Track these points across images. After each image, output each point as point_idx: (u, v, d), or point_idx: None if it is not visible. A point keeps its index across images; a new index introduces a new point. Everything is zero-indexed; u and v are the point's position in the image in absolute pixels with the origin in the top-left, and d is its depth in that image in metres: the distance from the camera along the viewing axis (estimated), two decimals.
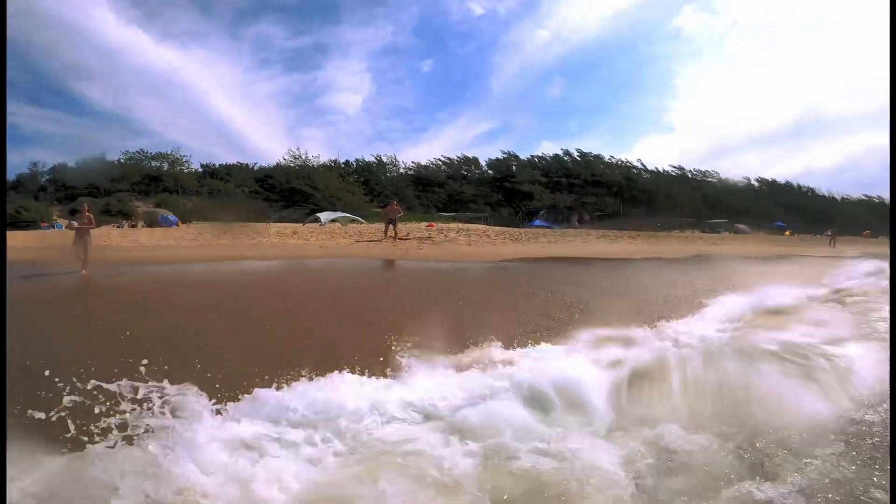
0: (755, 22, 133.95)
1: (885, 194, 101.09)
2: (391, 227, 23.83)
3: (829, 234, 44.01)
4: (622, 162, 78.77)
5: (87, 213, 13.35)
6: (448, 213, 54.81)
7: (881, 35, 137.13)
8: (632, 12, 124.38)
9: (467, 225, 38.85)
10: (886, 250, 38.89)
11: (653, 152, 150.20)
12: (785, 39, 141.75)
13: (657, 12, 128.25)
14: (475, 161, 74.12)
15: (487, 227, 41.68)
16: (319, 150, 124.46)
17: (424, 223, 40.91)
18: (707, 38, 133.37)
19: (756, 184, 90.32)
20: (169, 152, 59.37)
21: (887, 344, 7.06)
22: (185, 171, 59.42)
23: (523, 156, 75.20)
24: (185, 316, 7.18)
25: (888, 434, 2.97)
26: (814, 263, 21.39)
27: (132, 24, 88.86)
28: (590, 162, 75.60)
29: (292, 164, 62.83)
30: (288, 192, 56.51)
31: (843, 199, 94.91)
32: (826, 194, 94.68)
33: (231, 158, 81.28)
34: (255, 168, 63.49)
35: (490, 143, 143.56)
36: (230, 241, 20.28)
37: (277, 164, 63.75)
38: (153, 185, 53.25)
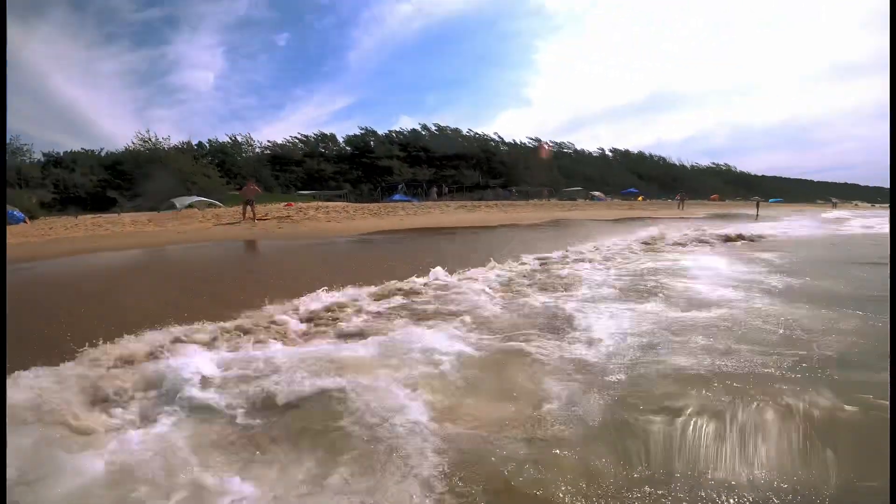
0: (614, 1, 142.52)
1: (732, 162, 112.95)
2: (249, 207, 23.16)
3: (679, 197, 48.59)
4: (480, 135, 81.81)
5: None
6: (307, 192, 54.68)
7: (732, 15, 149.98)
8: None
9: (327, 203, 39.60)
10: (728, 210, 44.18)
11: (512, 125, 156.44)
12: (642, 18, 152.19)
13: None
14: (332, 138, 74.57)
15: (347, 203, 42.75)
16: (170, 131, 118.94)
17: (283, 203, 41.29)
18: (567, 16, 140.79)
19: (610, 154, 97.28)
20: (7, 141, 54.23)
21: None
22: (28, 161, 54.61)
23: (381, 131, 76.46)
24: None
25: (888, 434, 2.86)
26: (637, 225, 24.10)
27: None
28: (448, 136, 77.81)
29: (142, 149, 60.04)
30: (140, 178, 53.77)
31: (692, 166, 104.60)
32: (676, 163, 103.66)
33: (76, 145, 75.38)
34: (103, 154, 60.01)
35: (348, 119, 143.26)
36: (84, 233, 20.14)
37: (126, 148, 60.52)
38: None
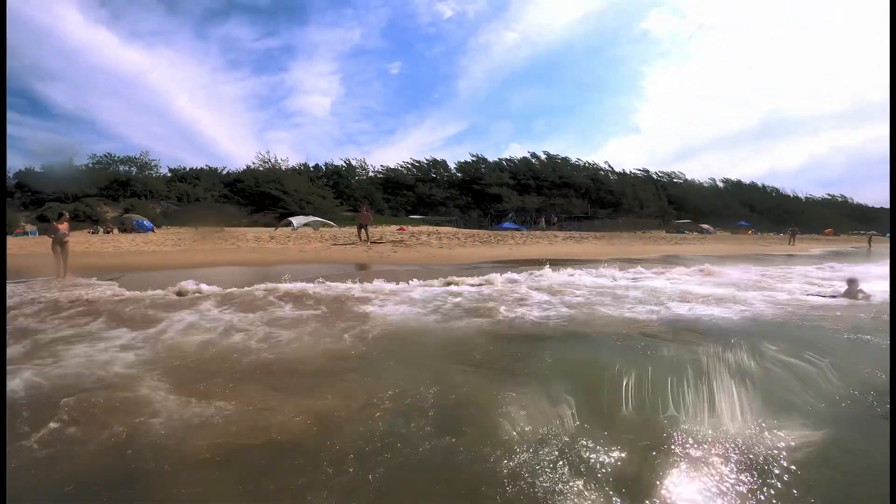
0: (721, 24, 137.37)
1: (848, 193, 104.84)
2: (363, 231, 23.99)
3: (790, 232, 45.55)
4: (589, 164, 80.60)
5: (66, 221, 13.26)
6: (418, 216, 55.38)
7: (847, 39, 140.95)
8: (599, 15, 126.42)
9: (437, 228, 39.50)
10: (844, 247, 40.76)
11: (620, 153, 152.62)
12: (750, 42, 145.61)
13: (624, 15, 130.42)
14: (444, 164, 75.29)
15: (457, 229, 42.46)
16: (287, 153, 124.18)
17: (395, 226, 41.50)
18: (673, 41, 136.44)
19: (721, 184, 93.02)
20: (137, 156, 58.86)
21: None
22: (154, 175, 58.73)
23: (491, 158, 76.75)
24: None
25: (888, 433, 2.93)
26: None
27: (98, 23, 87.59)
28: (557, 164, 77.24)
29: (261, 168, 62.77)
30: (258, 196, 56.43)
31: (806, 198, 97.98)
32: (790, 194, 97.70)
33: (199, 162, 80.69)
34: (224, 172, 63.22)
35: (458, 146, 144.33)
36: (212, 245, 20.68)
37: (246, 167, 63.75)
38: (121, 190, 52.71)
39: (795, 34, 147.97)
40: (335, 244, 22.88)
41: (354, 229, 25.90)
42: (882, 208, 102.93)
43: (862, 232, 60.97)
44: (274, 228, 36.43)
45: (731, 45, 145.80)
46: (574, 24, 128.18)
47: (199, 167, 64.70)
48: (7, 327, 5.95)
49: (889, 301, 6.07)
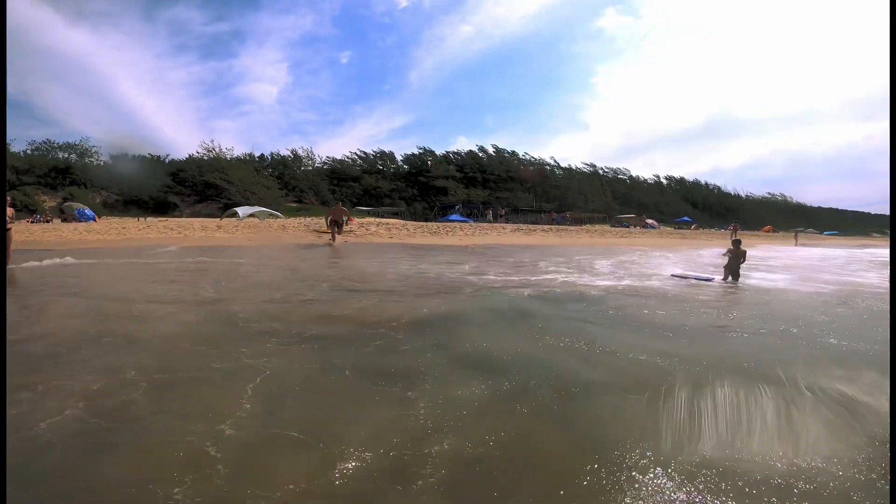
0: (675, 26, 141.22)
1: (788, 193, 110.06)
2: (337, 228, 21.78)
3: (732, 227, 47.41)
4: (536, 159, 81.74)
5: (10, 206, 12.47)
6: (364, 208, 55.19)
7: (793, 42, 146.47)
8: (556, 11, 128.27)
9: (387, 220, 39.70)
10: (770, 243, 42.88)
11: (568, 149, 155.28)
12: (702, 44, 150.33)
13: (581, 11, 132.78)
14: (391, 156, 75.07)
15: (405, 221, 42.64)
16: (233, 142, 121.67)
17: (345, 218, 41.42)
18: (627, 40, 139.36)
19: (665, 181, 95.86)
20: (77, 142, 56.59)
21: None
22: (95, 163, 56.45)
23: (439, 151, 76.85)
24: None
25: (888, 434, 2.92)
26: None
27: (42, 2, 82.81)
28: (505, 158, 77.94)
29: (205, 157, 61.39)
30: (201, 185, 55.22)
31: (747, 196, 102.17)
32: (731, 191, 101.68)
33: (141, 150, 77.75)
34: (167, 161, 61.43)
35: (406, 138, 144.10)
36: (156, 234, 20.40)
37: (189, 156, 61.97)
38: (60, 178, 50.58)
39: (745, 39, 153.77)
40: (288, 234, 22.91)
41: (307, 219, 25.16)
42: (820, 207, 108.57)
43: (800, 229, 64.46)
44: (220, 219, 35.90)
45: (683, 47, 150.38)
46: (529, 18, 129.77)
47: (141, 155, 62.22)
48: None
49: (889, 301, 6.11)
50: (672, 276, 10.88)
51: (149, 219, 31.64)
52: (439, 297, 8.02)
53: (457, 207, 57.92)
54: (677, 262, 16.73)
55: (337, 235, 21.62)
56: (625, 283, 10.33)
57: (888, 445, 2.84)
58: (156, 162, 59.73)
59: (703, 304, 7.96)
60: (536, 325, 6.09)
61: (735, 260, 10.38)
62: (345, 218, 22.46)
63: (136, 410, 3.25)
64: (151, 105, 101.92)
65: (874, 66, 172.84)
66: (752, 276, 11.82)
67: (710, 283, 10.33)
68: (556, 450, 2.90)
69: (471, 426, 3.09)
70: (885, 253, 33.11)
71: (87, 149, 56.52)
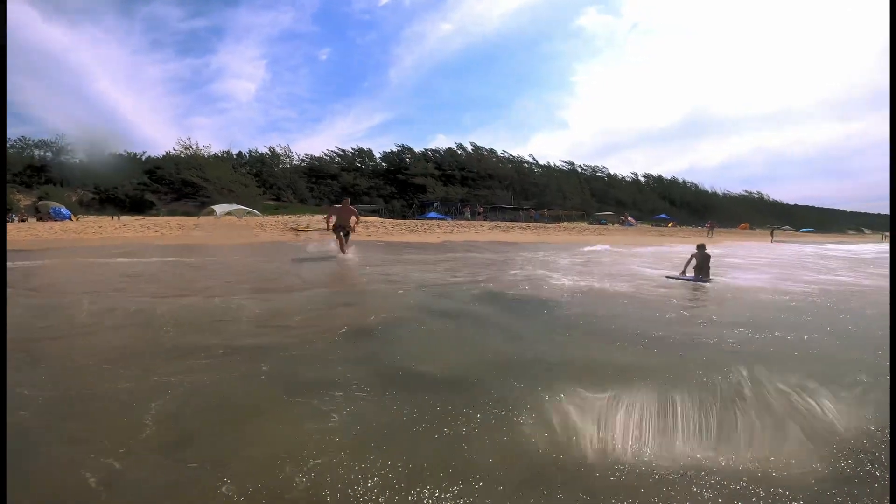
0: (655, 25, 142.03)
1: (765, 191, 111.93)
2: (342, 236, 14.75)
3: (708, 225, 48.21)
4: (514, 157, 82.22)
5: None
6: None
7: (772, 42, 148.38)
8: (536, 9, 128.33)
9: (364, 217, 39.75)
10: (746, 240, 43.64)
11: (547, 147, 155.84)
12: (681, 44, 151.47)
13: (561, 10, 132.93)
14: (369, 153, 75.05)
15: (382, 219, 42.79)
16: (210, 139, 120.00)
17: (321, 216, 41.46)
18: (607, 39, 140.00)
19: (643, 179, 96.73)
20: (53, 140, 55.75)
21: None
22: (71, 161, 55.31)
23: (417, 148, 77.03)
24: None
25: (888, 433, 2.97)
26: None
27: None
28: (483, 156, 78.20)
29: (182, 155, 61.06)
30: (179, 183, 54.95)
31: (724, 194, 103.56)
32: (709, 189, 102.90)
33: (117, 148, 76.48)
34: (144, 158, 60.92)
35: (385, 135, 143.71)
36: (133, 233, 20.45)
37: (166, 154, 61.54)
38: (36, 177, 50.12)
39: (725, 39, 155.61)
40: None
41: (285, 217, 24.47)
42: (796, 205, 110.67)
43: (776, 226, 65.89)
44: (197, 217, 35.85)
45: (663, 46, 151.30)
46: (510, 16, 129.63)
47: (117, 153, 61.50)
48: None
49: (889, 301, 6.19)
50: (666, 277, 11.15)
51: (124, 217, 31.45)
52: (393, 301, 7.75)
53: (435, 205, 58.11)
54: (651, 260, 17.02)
55: (345, 244, 14.85)
56: (587, 282, 10.44)
57: (888, 445, 2.88)
58: (132, 160, 59.23)
59: (674, 302, 8.29)
60: (486, 333, 5.93)
61: (703, 260, 10.75)
62: (353, 219, 15.04)
63: (20, 433, 3.00)
64: (128, 102, 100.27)
65: (852, 67, 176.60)
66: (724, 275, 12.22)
67: (693, 282, 10.59)
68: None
69: (379, 448, 2.91)
70: (856, 248, 34.03)
71: (62, 146, 55.85)
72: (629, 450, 3.01)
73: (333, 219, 14.75)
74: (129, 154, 59.52)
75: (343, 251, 14.55)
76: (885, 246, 46.31)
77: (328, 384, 3.87)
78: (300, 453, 2.82)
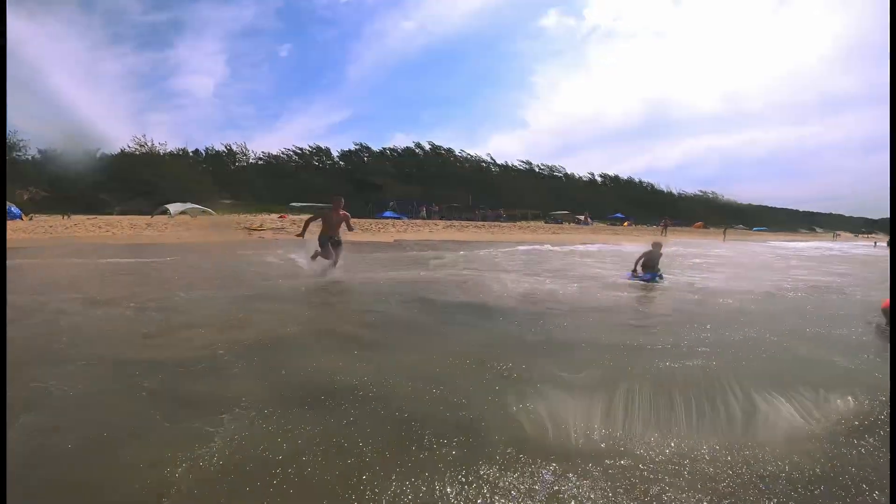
0: (615, 28, 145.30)
1: (720, 190, 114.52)
2: (331, 246, 10.11)
3: (662, 223, 49.37)
4: (472, 156, 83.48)
5: None
6: (298, 204, 55.21)
7: (729, 47, 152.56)
8: (499, 9, 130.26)
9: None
10: (699, 239, 44.78)
11: (506, 146, 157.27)
12: (640, 45, 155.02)
13: (524, 11, 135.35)
14: (327, 151, 75.52)
15: None
16: (167, 136, 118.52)
17: (276, 214, 41.90)
18: (568, 40, 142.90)
19: (599, 179, 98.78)
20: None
21: None
22: (23, 158, 55.14)
23: (376, 147, 77.79)
24: None
25: (888, 434, 2.91)
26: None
27: None
28: (441, 155, 79.30)
29: (137, 152, 60.51)
30: (134, 182, 54.39)
31: (679, 194, 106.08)
32: (664, 189, 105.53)
33: (70, 144, 74.52)
34: (99, 156, 60.19)
35: (344, 133, 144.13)
36: (84, 233, 20.65)
37: (122, 151, 61.17)
38: None
39: (683, 43, 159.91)
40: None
41: (239, 217, 24.19)
42: (750, 204, 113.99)
43: (730, 225, 68.05)
44: (150, 216, 35.86)
45: (623, 49, 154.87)
46: (472, 16, 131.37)
47: (72, 150, 59.93)
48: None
49: (889, 300, 6.25)
50: (628, 276, 10.85)
51: (77, 216, 31.42)
52: (320, 307, 7.41)
53: (391, 204, 58.61)
54: (593, 259, 17.28)
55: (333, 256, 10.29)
56: (530, 283, 10.22)
57: (888, 445, 2.83)
58: (87, 157, 58.36)
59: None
60: (410, 340, 5.44)
61: (655, 259, 10.81)
62: (344, 227, 10.42)
63: None
64: (84, 97, 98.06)
65: (803, 73, 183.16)
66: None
67: (643, 281, 10.47)
68: None
69: (267, 477, 2.51)
70: (802, 246, 35.53)
71: (14, 143, 54.77)
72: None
73: (319, 224, 10.21)
74: (84, 152, 58.59)
75: (333, 264, 10.06)
76: (834, 244, 48.35)
77: (219, 402, 3.37)
78: (168, 484, 2.45)
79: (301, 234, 10.35)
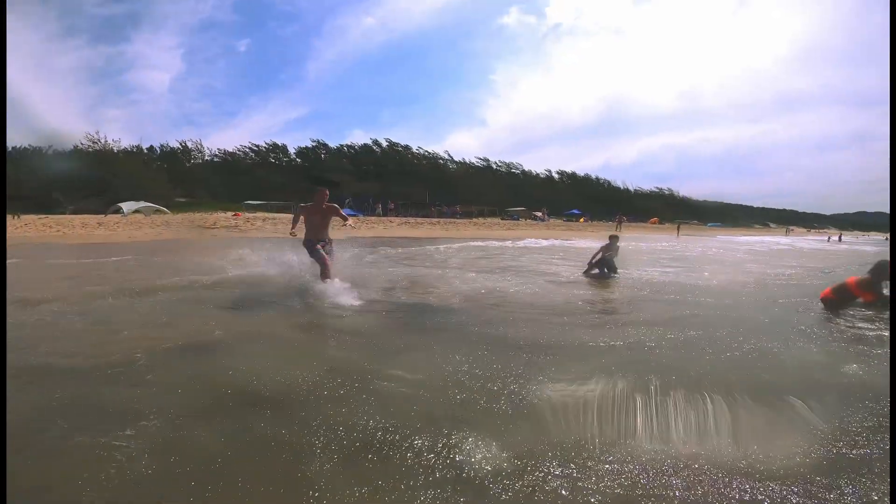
0: (575, 27, 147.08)
1: (675, 187, 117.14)
2: (324, 249, 8.13)
3: (617, 219, 49.65)
4: (430, 153, 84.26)
5: None
6: (255, 202, 55.10)
7: (686, 46, 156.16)
8: (460, 7, 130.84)
9: (274, 214, 40.29)
10: (654, 234, 45.79)
11: (465, 143, 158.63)
12: (599, 44, 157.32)
13: (485, 8, 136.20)
14: (283, 148, 75.56)
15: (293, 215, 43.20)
16: (121, 133, 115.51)
17: (231, 213, 42.03)
18: (528, 38, 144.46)
19: (556, 176, 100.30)
20: None
21: None
22: None
23: (333, 144, 78.03)
24: None
25: (888, 434, 2.79)
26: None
27: None
28: (399, 152, 79.87)
29: (90, 150, 59.76)
30: (86, 180, 53.51)
31: (635, 190, 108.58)
32: (620, 186, 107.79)
33: (23, 141, 73.00)
34: (50, 153, 59.32)
35: (301, 130, 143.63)
36: (35, 233, 20.79)
37: (75, 148, 60.22)
38: None
39: (641, 42, 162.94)
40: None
41: (193, 215, 23.98)
42: (706, 201, 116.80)
43: (684, 221, 69.78)
44: (103, 215, 35.73)
45: (583, 47, 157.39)
46: (433, 13, 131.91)
47: (22, 146, 60.03)
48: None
49: (889, 301, 6.29)
50: (583, 274, 10.70)
51: (27, 216, 31.28)
52: (255, 307, 6.53)
53: (347, 201, 58.89)
54: (546, 254, 17.30)
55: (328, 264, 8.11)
56: (481, 281, 9.70)
57: (888, 445, 2.73)
58: (39, 155, 57.44)
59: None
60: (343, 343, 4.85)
61: (611, 250, 10.60)
62: (332, 225, 8.64)
63: None
64: (36, 92, 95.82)
65: (759, 73, 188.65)
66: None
67: (599, 275, 10.49)
68: None
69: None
70: (755, 240, 36.83)
71: None
72: None
73: (300, 227, 8.43)
74: (34, 149, 57.75)
75: (326, 275, 7.79)
76: (784, 238, 49.39)
77: (133, 413, 3.02)
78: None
79: (293, 232, 8.37)
